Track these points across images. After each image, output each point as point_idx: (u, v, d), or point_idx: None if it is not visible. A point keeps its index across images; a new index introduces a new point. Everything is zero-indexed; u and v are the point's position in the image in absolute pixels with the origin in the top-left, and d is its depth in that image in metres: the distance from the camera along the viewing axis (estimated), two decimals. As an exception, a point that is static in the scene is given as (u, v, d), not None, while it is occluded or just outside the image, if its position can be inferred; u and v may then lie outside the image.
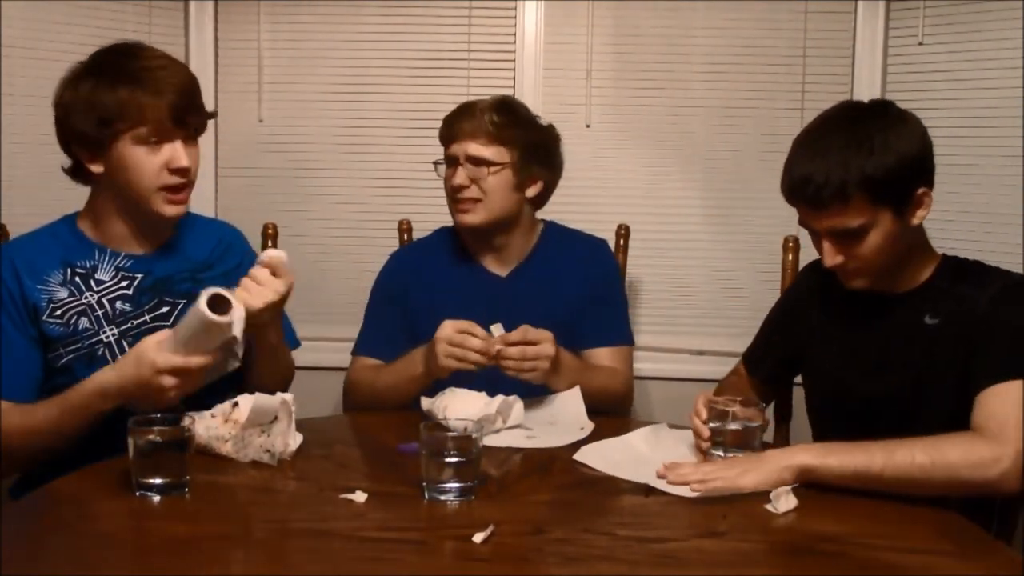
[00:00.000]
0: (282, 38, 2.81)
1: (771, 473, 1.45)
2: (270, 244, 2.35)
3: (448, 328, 1.79)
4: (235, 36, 2.81)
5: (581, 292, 2.08)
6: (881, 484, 1.43)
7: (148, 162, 1.66)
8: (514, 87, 2.76)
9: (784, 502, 1.38)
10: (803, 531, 1.34)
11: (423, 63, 2.78)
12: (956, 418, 1.55)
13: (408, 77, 2.79)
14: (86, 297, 1.71)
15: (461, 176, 2.00)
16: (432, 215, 2.45)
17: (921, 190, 1.60)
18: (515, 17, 2.76)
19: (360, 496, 1.41)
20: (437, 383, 1.85)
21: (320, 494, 1.45)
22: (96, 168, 1.69)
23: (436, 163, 2.08)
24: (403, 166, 2.78)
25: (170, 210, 1.70)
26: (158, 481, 1.39)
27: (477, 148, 2.00)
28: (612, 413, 1.97)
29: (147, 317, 1.74)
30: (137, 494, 1.38)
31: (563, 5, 2.75)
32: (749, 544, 1.31)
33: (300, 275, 2.66)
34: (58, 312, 1.68)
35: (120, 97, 1.63)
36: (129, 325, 1.72)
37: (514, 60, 2.76)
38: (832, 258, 1.62)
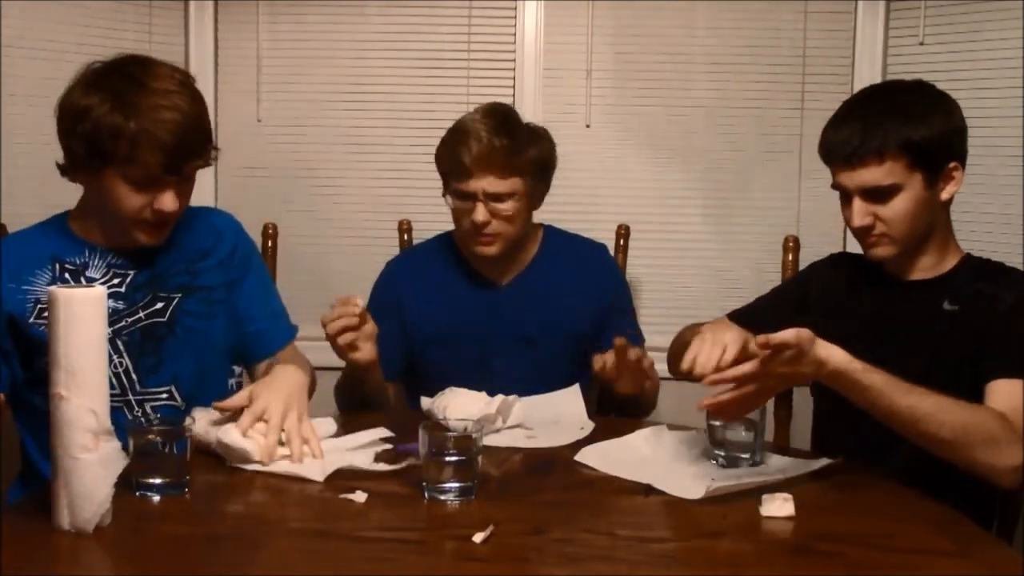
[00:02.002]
0: (282, 38, 2.81)
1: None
2: (270, 244, 2.34)
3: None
4: (235, 36, 2.81)
5: (589, 302, 2.07)
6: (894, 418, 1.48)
7: (132, 199, 1.60)
8: (514, 88, 2.76)
9: (778, 507, 1.36)
10: (802, 531, 1.34)
11: (423, 63, 2.78)
12: None
13: (408, 77, 2.79)
14: None
15: (483, 213, 1.95)
16: (432, 215, 2.44)
17: (952, 164, 1.65)
18: (515, 18, 2.76)
19: (360, 496, 1.40)
20: (436, 385, 1.84)
21: (320, 494, 1.45)
22: (80, 182, 1.65)
23: (445, 195, 2.01)
24: (403, 166, 2.78)
25: (145, 240, 1.67)
26: (158, 481, 1.39)
27: (495, 184, 1.94)
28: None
29: (142, 314, 1.71)
30: (137, 494, 1.38)
31: (563, 5, 2.75)
32: (749, 544, 1.30)
33: (300, 275, 2.69)
34: (46, 313, 1.65)
35: (115, 130, 1.54)
36: (123, 323, 1.69)
37: (514, 60, 2.76)
38: (861, 218, 1.65)
